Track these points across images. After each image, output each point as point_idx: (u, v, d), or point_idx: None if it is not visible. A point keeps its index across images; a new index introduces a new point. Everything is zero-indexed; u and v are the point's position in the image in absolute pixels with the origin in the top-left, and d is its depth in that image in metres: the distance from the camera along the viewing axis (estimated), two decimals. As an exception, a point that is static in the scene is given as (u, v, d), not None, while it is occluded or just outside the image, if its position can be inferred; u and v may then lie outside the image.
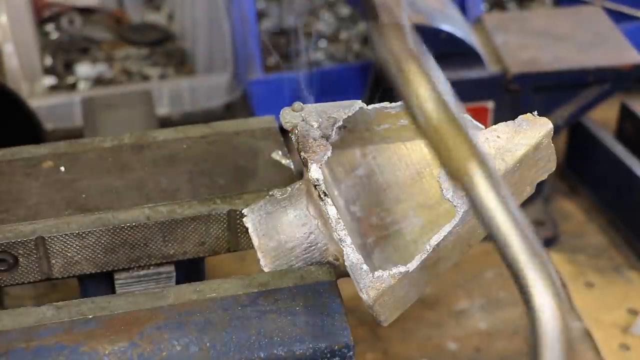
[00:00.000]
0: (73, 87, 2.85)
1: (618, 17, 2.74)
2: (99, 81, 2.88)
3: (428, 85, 0.83)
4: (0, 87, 2.28)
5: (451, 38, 2.21)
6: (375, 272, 1.09)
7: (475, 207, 0.80)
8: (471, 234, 1.18)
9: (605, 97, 2.32)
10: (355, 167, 1.32)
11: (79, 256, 1.25)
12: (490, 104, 2.29)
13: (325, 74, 2.71)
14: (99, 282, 1.31)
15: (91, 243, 1.25)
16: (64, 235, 1.24)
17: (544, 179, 1.20)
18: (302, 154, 1.14)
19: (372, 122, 1.26)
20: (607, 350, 2.09)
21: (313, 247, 1.19)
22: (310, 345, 1.08)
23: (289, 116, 1.18)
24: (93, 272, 1.28)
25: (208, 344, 1.07)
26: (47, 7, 3.12)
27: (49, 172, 1.35)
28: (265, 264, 1.21)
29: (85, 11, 3.19)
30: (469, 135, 0.82)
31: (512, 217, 0.79)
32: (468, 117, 1.23)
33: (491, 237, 0.81)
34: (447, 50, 2.22)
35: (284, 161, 1.38)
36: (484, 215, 0.80)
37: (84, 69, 2.91)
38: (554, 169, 1.19)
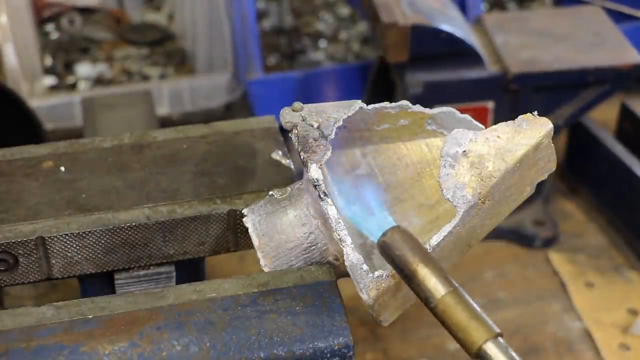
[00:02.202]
0: (73, 87, 2.85)
1: (618, 17, 2.74)
2: (99, 81, 2.88)
3: (437, 279, 1.00)
4: (0, 87, 2.28)
5: (451, 38, 2.21)
6: (375, 272, 1.09)
7: None
8: (471, 234, 1.18)
9: (605, 97, 2.32)
10: (355, 167, 1.32)
11: (79, 256, 1.26)
12: (490, 104, 2.29)
13: (326, 74, 2.71)
14: (99, 282, 1.31)
15: (91, 243, 1.25)
16: (64, 235, 1.24)
17: (544, 179, 1.20)
18: (302, 154, 1.14)
19: (372, 122, 1.26)
20: (607, 350, 2.09)
21: (313, 247, 1.19)
22: (310, 345, 1.08)
23: (289, 116, 1.18)
24: (93, 272, 1.28)
25: (208, 344, 1.07)
26: (47, 7, 3.13)
27: (49, 172, 1.35)
28: (265, 264, 1.21)
29: (85, 11, 3.19)
30: (478, 313, 0.98)
31: None
32: (468, 117, 1.23)
33: None
34: (447, 50, 2.22)
35: (284, 161, 1.38)
36: None
37: (84, 69, 2.91)
38: (554, 169, 1.19)
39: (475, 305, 0.99)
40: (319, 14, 3.18)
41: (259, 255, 1.21)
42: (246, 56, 2.67)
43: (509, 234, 2.40)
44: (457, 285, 1.00)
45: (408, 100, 1.23)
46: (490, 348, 0.96)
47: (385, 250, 1.04)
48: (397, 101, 1.23)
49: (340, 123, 1.18)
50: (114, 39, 3.08)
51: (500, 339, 0.96)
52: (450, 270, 1.19)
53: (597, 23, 2.44)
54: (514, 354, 0.95)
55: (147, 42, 3.04)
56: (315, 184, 1.12)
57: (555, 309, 2.21)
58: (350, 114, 1.18)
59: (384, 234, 1.04)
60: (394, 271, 1.09)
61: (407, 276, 1.02)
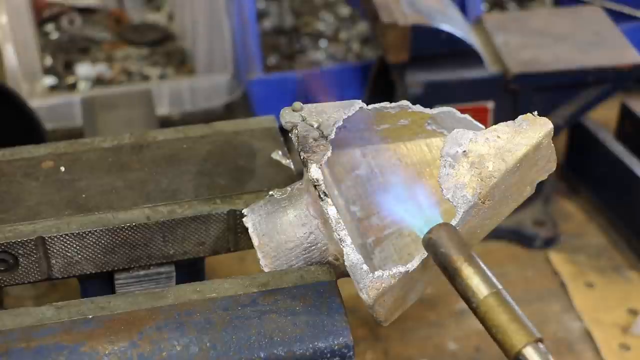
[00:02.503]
0: (73, 87, 2.85)
1: (618, 17, 2.74)
2: (99, 81, 2.88)
3: (480, 279, 1.00)
4: (0, 87, 2.28)
5: (451, 38, 2.21)
6: (375, 272, 1.09)
7: None
8: (471, 234, 1.18)
9: (605, 97, 2.32)
10: (355, 167, 1.32)
11: (79, 256, 1.25)
12: (490, 104, 2.29)
13: (326, 74, 2.71)
14: (99, 282, 1.31)
15: (91, 243, 1.25)
16: (64, 235, 1.24)
17: (544, 179, 1.20)
18: (302, 154, 1.14)
19: (372, 122, 1.26)
20: (607, 350, 2.09)
21: (313, 247, 1.19)
22: (310, 345, 1.08)
23: (289, 116, 1.18)
24: (93, 272, 1.28)
25: (208, 344, 1.07)
26: (47, 7, 3.13)
27: (49, 172, 1.35)
28: (265, 264, 1.21)
29: (85, 11, 3.19)
30: (519, 316, 0.99)
31: None
32: (468, 117, 1.23)
33: None
34: (447, 50, 2.22)
35: (284, 161, 1.38)
36: None
37: (84, 69, 2.91)
38: (554, 169, 1.19)
39: (517, 309, 0.99)
40: (319, 14, 3.18)
41: (259, 255, 1.21)
42: (246, 56, 2.67)
43: (509, 234, 2.40)
44: (500, 287, 1.00)
45: (408, 100, 1.24)
46: (530, 353, 0.95)
47: (431, 246, 1.03)
48: (397, 101, 1.23)
49: (340, 123, 1.18)
50: (114, 39, 3.08)
51: (540, 344, 0.96)
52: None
53: (597, 23, 2.44)
54: None
55: (147, 42, 3.04)
56: (315, 184, 1.12)
57: (555, 309, 2.21)
58: (350, 114, 1.18)
59: (430, 231, 1.04)
60: (394, 271, 1.09)
61: (451, 274, 1.01)
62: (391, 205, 1.20)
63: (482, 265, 1.01)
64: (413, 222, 1.15)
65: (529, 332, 0.96)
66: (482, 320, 0.99)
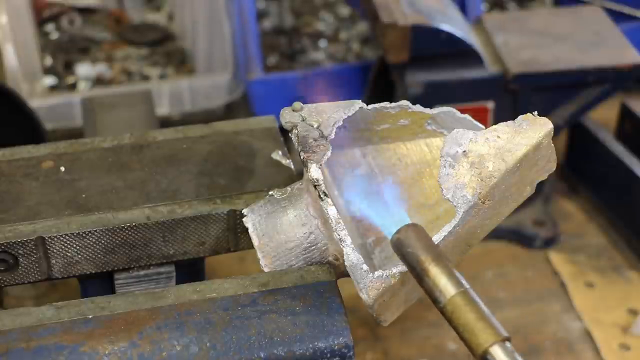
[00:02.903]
0: (73, 87, 2.85)
1: (618, 17, 2.74)
2: (99, 81, 2.88)
3: (448, 279, 1.00)
4: (0, 87, 2.28)
5: (451, 38, 2.21)
6: (375, 272, 1.09)
7: None
8: (471, 234, 1.18)
9: (605, 97, 2.32)
10: (355, 167, 1.32)
11: (79, 256, 1.26)
12: (490, 104, 2.29)
13: (326, 74, 2.71)
14: (99, 282, 1.31)
15: (91, 243, 1.25)
16: (64, 235, 1.24)
17: (544, 179, 1.20)
18: (302, 154, 1.14)
19: (372, 122, 1.26)
20: (607, 350, 2.09)
21: (313, 247, 1.19)
22: (310, 345, 1.08)
23: (289, 116, 1.19)
24: (93, 272, 1.28)
25: (208, 344, 1.07)
26: (47, 7, 3.13)
27: (49, 172, 1.35)
28: (265, 264, 1.21)
29: (85, 11, 3.19)
30: (487, 315, 0.98)
31: None
32: (468, 117, 1.23)
33: None
34: (447, 50, 2.22)
35: (284, 161, 1.38)
36: None
37: (84, 69, 2.90)
38: (554, 169, 1.19)
39: (484, 308, 0.98)
40: (319, 14, 3.18)
41: (259, 255, 1.21)
42: (246, 56, 2.67)
43: (509, 234, 2.40)
44: (468, 286, 1.00)
45: (408, 100, 1.24)
46: (496, 352, 0.95)
47: (399, 247, 1.04)
48: (397, 101, 1.23)
49: (340, 123, 1.18)
50: (114, 39, 3.08)
51: (507, 343, 0.96)
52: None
53: (597, 23, 2.44)
54: (520, 359, 0.95)
55: (147, 42, 3.04)
56: (315, 184, 1.12)
57: (555, 309, 2.21)
58: (350, 114, 1.18)
59: (398, 231, 1.04)
60: (394, 271, 1.09)
61: (418, 274, 1.02)
62: (360, 206, 1.20)
63: (450, 265, 1.01)
64: (381, 222, 1.16)
65: (496, 331, 0.96)
66: (450, 319, 1.00)
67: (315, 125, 1.17)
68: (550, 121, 1.14)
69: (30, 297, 2.16)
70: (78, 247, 1.25)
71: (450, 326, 1.00)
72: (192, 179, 1.34)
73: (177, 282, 1.32)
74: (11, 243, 1.22)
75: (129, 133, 1.43)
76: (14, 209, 1.28)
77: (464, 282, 1.00)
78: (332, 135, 1.16)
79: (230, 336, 1.08)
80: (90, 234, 1.25)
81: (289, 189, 1.23)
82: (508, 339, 0.96)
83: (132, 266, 1.29)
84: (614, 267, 2.34)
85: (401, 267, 1.09)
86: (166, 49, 3.03)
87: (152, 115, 2.04)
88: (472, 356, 0.98)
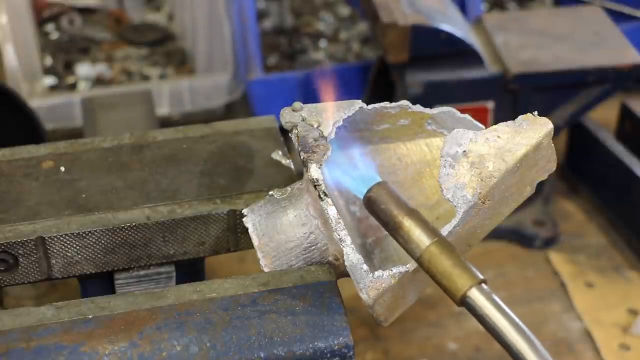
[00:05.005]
0: (73, 87, 2.85)
1: (618, 17, 2.74)
2: (99, 81, 2.88)
3: (422, 230, 1.03)
4: (0, 87, 2.29)
5: (451, 38, 2.21)
6: (375, 272, 1.09)
7: (482, 321, 0.98)
8: (471, 234, 1.18)
9: (605, 97, 2.32)
10: (355, 167, 1.32)
11: (79, 256, 1.26)
12: (490, 104, 2.29)
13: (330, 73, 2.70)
14: (99, 282, 1.31)
15: (91, 243, 1.25)
16: (64, 235, 1.24)
17: (544, 179, 1.20)
18: (302, 154, 1.14)
19: (372, 122, 1.26)
20: (607, 350, 2.09)
21: (313, 247, 1.19)
22: (310, 345, 1.08)
23: (289, 116, 1.19)
24: (93, 272, 1.28)
25: (208, 344, 1.07)
26: (47, 7, 3.13)
27: (49, 172, 1.35)
28: (265, 264, 1.21)
29: (85, 11, 3.19)
30: (462, 261, 1.00)
31: (514, 322, 0.97)
32: (468, 117, 1.23)
33: (501, 343, 0.98)
34: (447, 50, 2.23)
35: (284, 161, 1.38)
36: (490, 324, 0.98)
37: (84, 69, 2.91)
38: (554, 169, 1.19)
39: (460, 254, 1.01)
40: (319, 14, 3.18)
41: (259, 255, 1.21)
42: (246, 56, 2.67)
43: (509, 234, 2.40)
44: (442, 235, 1.03)
45: (408, 100, 1.24)
46: (475, 294, 0.98)
47: (371, 205, 1.06)
48: (397, 101, 1.23)
49: (340, 123, 1.18)
50: (114, 39, 3.08)
51: (484, 285, 0.99)
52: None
53: (597, 23, 2.44)
54: (497, 300, 0.98)
55: (147, 42, 3.04)
56: (315, 184, 1.12)
57: (555, 309, 2.21)
58: (350, 114, 1.18)
59: (369, 190, 1.07)
60: (394, 271, 1.09)
61: (393, 229, 1.04)
62: (332, 173, 1.21)
63: (423, 217, 1.04)
64: (354, 186, 1.17)
65: (473, 275, 0.99)
66: (427, 269, 1.02)
67: (315, 125, 1.17)
68: (550, 121, 1.13)
69: (30, 297, 2.16)
70: (78, 247, 1.25)
71: (428, 275, 1.03)
72: (192, 179, 1.34)
73: (177, 282, 1.31)
74: (11, 243, 1.22)
75: (129, 133, 1.43)
76: (14, 209, 1.28)
77: (438, 232, 1.02)
78: (332, 135, 1.16)
79: (230, 336, 1.08)
80: (90, 234, 1.25)
81: (289, 189, 1.23)
82: (484, 281, 0.99)
83: (132, 266, 1.29)
84: (614, 267, 2.34)
85: (401, 267, 1.09)
86: (166, 49, 3.03)
87: (152, 115, 2.04)
88: (452, 301, 1.00)
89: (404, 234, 1.03)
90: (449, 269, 1.00)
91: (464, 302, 0.99)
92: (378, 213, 1.06)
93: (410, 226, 1.03)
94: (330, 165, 1.18)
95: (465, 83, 2.26)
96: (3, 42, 2.58)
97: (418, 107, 1.23)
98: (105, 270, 1.28)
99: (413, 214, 1.04)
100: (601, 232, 2.45)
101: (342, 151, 1.24)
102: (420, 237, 1.02)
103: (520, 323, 0.96)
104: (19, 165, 1.36)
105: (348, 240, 1.10)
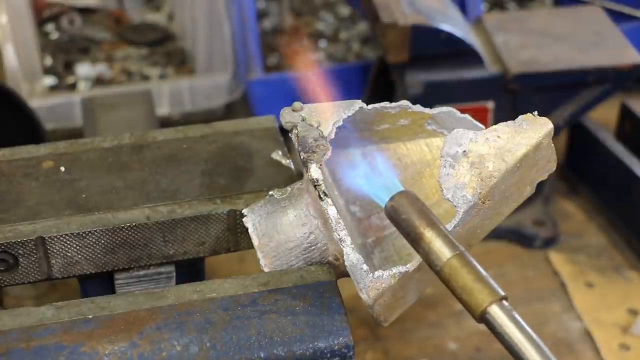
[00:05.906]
0: (73, 87, 2.85)
1: (618, 17, 2.74)
2: (99, 81, 2.88)
3: (443, 242, 1.00)
4: (0, 87, 2.29)
5: (451, 38, 2.21)
6: (375, 272, 1.09)
7: (501, 339, 0.95)
8: (471, 234, 1.18)
9: (605, 97, 2.32)
10: (355, 167, 1.32)
11: (79, 256, 1.26)
12: (490, 104, 2.29)
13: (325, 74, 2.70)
14: (99, 282, 1.31)
15: (91, 243, 1.25)
16: (64, 235, 1.24)
17: (544, 179, 1.20)
18: (302, 154, 1.14)
19: (372, 122, 1.26)
20: (607, 350, 2.09)
21: (313, 247, 1.19)
22: (310, 345, 1.08)
23: (289, 116, 1.19)
24: (93, 272, 1.28)
25: (208, 344, 1.07)
26: (47, 7, 3.12)
27: (49, 172, 1.35)
28: (265, 264, 1.21)
29: (85, 11, 3.19)
30: (483, 276, 0.98)
31: (534, 341, 0.95)
32: (468, 117, 1.23)
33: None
34: (447, 50, 2.22)
35: (284, 161, 1.38)
36: (509, 342, 0.95)
37: (84, 69, 2.90)
38: (554, 169, 1.19)
39: (481, 269, 0.99)
40: (319, 14, 3.18)
41: (259, 255, 1.21)
42: (246, 56, 2.67)
43: (509, 234, 2.40)
44: (463, 249, 1.00)
45: (408, 100, 1.24)
46: (495, 311, 0.96)
47: (393, 214, 1.04)
48: (397, 101, 1.23)
49: (340, 123, 1.18)
50: (114, 39, 3.08)
51: (505, 302, 0.96)
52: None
53: (597, 23, 2.44)
54: (518, 317, 0.95)
55: (147, 42, 3.04)
56: (315, 184, 1.12)
57: (555, 309, 2.21)
58: (350, 114, 1.18)
59: (391, 199, 1.04)
60: (394, 271, 1.09)
61: (414, 240, 1.02)
62: (354, 180, 1.21)
63: (445, 229, 1.02)
64: (376, 193, 1.16)
65: (494, 291, 0.97)
66: (447, 282, 1.00)
67: (315, 125, 1.17)
68: (550, 121, 1.14)
69: (30, 297, 2.16)
70: (78, 247, 1.25)
71: (448, 289, 1.01)
72: (192, 178, 1.34)
73: (177, 282, 1.32)
74: (11, 243, 1.22)
75: (129, 133, 1.43)
76: (14, 209, 1.28)
77: (459, 245, 1.00)
78: (332, 135, 1.16)
79: (230, 336, 1.08)
80: (90, 234, 1.25)
81: (289, 189, 1.23)
82: (505, 298, 0.97)
83: (132, 266, 1.29)
84: (614, 267, 2.34)
85: (401, 267, 1.09)
86: (166, 49, 3.03)
87: (152, 115, 2.04)
88: (472, 317, 0.98)
89: (424, 246, 1.01)
90: (469, 284, 0.97)
91: (484, 318, 0.96)
92: (400, 223, 1.03)
93: (431, 238, 1.00)
94: (353, 171, 1.19)
95: (465, 83, 2.26)
96: (3, 42, 2.58)
97: (418, 107, 1.23)
98: (105, 270, 1.28)
99: (435, 225, 1.01)
100: (601, 232, 2.45)
101: (364, 159, 1.25)
102: (441, 250, 1.00)
103: (541, 343, 0.94)
104: (19, 165, 1.36)
105: (348, 240, 1.11)
